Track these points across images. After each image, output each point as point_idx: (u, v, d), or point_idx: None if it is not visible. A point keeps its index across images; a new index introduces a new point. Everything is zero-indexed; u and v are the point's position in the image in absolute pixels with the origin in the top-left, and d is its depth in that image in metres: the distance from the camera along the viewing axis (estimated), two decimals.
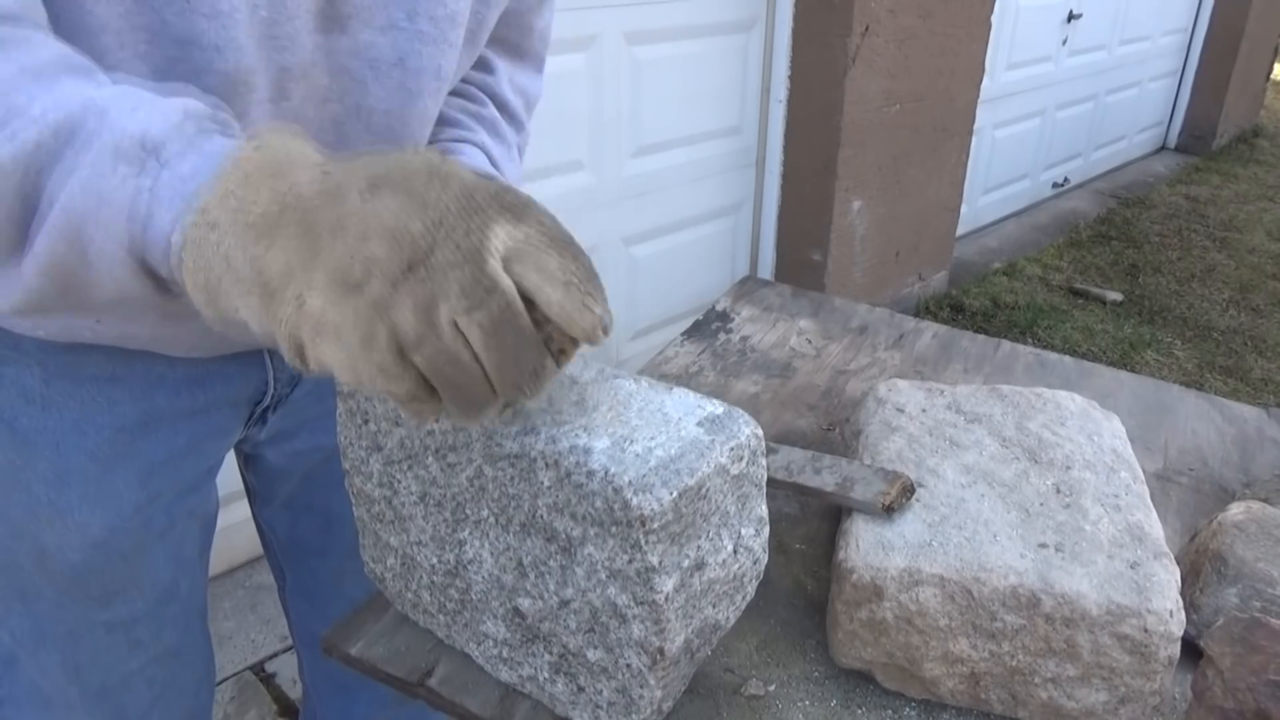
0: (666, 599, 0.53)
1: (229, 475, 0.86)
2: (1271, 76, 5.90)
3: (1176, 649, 0.59)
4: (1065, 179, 4.54)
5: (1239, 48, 5.01)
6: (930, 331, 1.16)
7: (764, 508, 0.60)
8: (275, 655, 1.77)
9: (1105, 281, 3.64)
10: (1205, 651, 0.59)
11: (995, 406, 0.80)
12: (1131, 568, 0.62)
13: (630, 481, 0.50)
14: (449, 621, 0.66)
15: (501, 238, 0.42)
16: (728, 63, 2.51)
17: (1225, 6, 4.99)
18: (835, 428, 0.96)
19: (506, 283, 0.42)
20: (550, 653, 0.60)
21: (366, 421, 0.61)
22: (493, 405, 0.44)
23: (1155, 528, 0.66)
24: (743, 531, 0.58)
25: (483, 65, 0.81)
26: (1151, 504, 0.69)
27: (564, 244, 0.43)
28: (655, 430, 0.54)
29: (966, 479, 0.70)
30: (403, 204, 0.41)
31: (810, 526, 0.82)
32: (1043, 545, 0.64)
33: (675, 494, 0.51)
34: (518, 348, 0.42)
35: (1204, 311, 3.42)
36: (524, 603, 0.59)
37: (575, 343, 0.45)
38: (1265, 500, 0.82)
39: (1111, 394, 1.03)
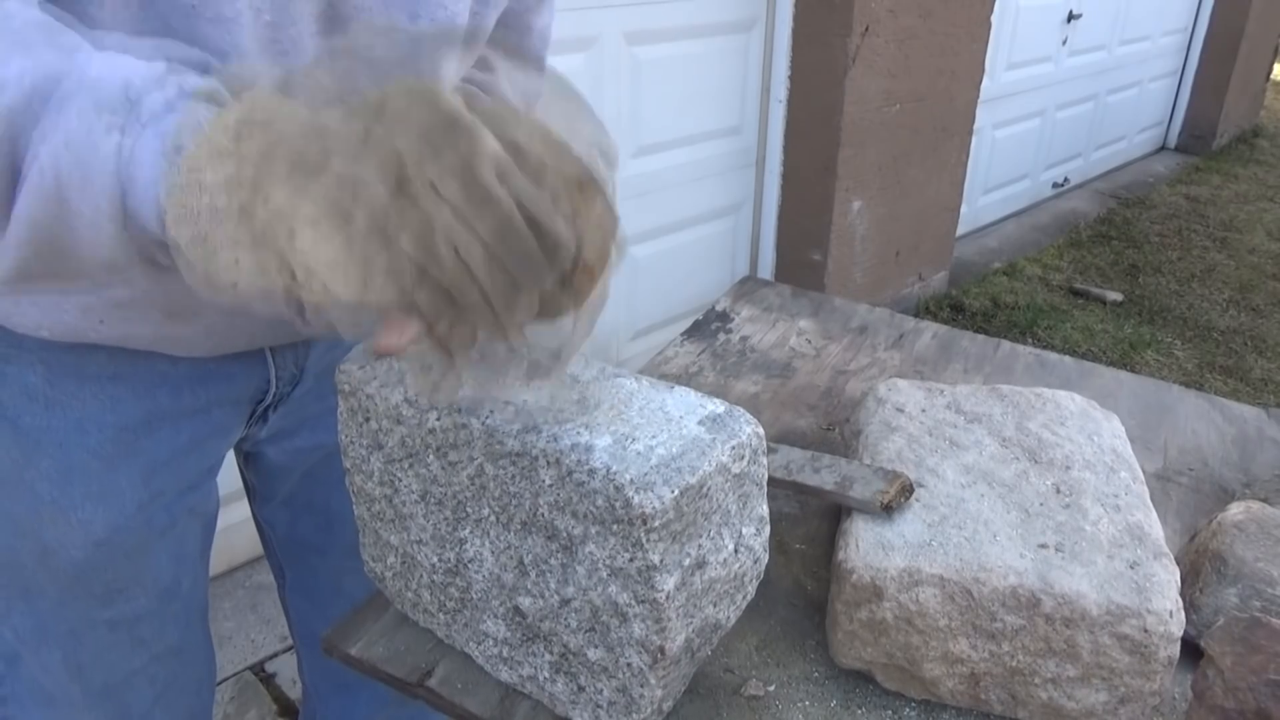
0: (667, 597, 0.53)
1: (229, 474, 0.86)
2: (1271, 76, 5.90)
3: (1176, 649, 0.59)
4: (1065, 179, 4.54)
5: (1239, 48, 5.01)
6: (930, 331, 1.16)
7: (765, 507, 0.60)
8: (275, 655, 1.77)
9: (1105, 281, 3.64)
10: (1205, 651, 0.59)
11: (995, 406, 0.80)
12: (1131, 568, 0.62)
13: (632, 480, 0.50)
14: (449, 621, 0.66)
15: (493, 151, 0.40)
16: (728, 63, 2.51)
17: (1225, 6, 4.99)
18: (835, 428, 0.96)
19: (501, 193, 0.39)
20: (550, 652, 0.60)
21: (368, 420, 0.61)
22: (512, 293, 0.41)
23: (1155, 528, 0.66)
24: (744, 530, 0.58)
25: (482, 64, 0.81)
26: (1151, 504, 0.69)
27: (559, 151, 0.41)
28: (657, 429, 0.54)
29: (966, 479, 0.70)
30: (387, 127, 0.39)
31: (810, 526, 0.82)
32: (1043, 545, 0.64)
33: (676, 492, 0.51)
34: (524, 261, 0.40)
35: (1204, 311, 3.42)
36: (524, 602, 0.59)
37: (590, 271, 0.43)
38: (1265, 500, 0.82)
39: (1111, 394, 1.03)
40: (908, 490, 0.68)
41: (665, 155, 2.46)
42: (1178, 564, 0.64)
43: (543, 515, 0.55)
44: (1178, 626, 0.59)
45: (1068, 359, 1.10)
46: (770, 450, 0.77)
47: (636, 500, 0.50)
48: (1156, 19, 4.71)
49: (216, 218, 0.41)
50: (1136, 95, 4.90)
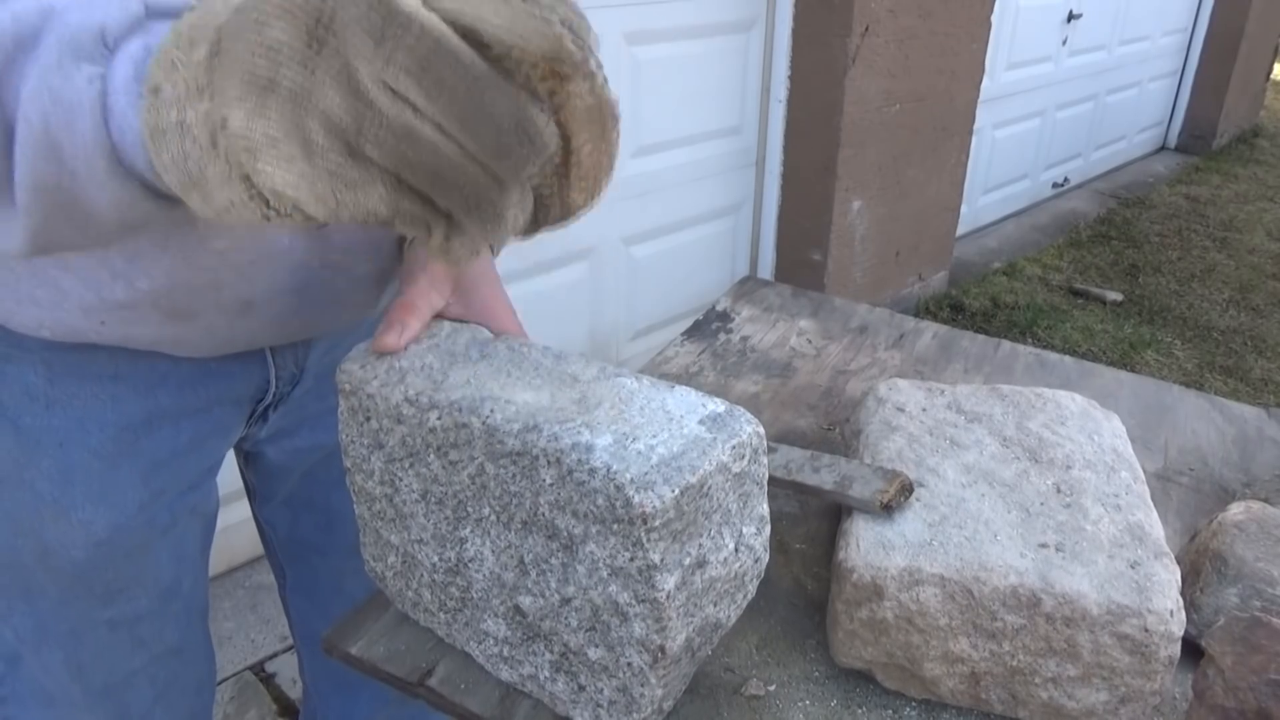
0: (668, 597, 0.53)
1: (229, 474, 0.86)
2: (1271, 76, 5.90)
3: (1177, 649, 0.59)
4: (1065, 179, 4.54)
5: (1239, 48, 5.01)
6: (930, 331, 1.16)
7: (765, 506, 0.60)
8: (275, 655, 1.77)
9: (1105, 281, 3.64)
10: (1206, 651, 0.59)
11: (995, 406, 0.80)
12: (1132, 567, 0.62)
13: (632, 479, 0.50)
14: (449, 620, 0.67)
15: (448, 44, 0.35)
16: (728, 63, 2.51)
17: (1225, 6, 4.99)
18: (835, 427, 0.96)
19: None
20: (551, 651, 0.60)
21: (368, 419, 0.61)
22: (498, 190, 0.38)
23: (1155, 527, 0.66)
24: (744, 530, 0.58)
25: None
26: (1152, 504, 0.69)
27: (523, 30, 0.36)
28: (657, 428, 0.54)
29: (967, 478, 0.70)
30: (328, 27, 0.36)
31: (810, 526, 0.82)
32: (1043, 545, 0.64)
33: (677, 491, 0.51)
34: (472, 91, 0.35)
35: (1204, 311, 3.42)
36: (525, 601, 0.59)
37: (559, 76, 0.37)
38: (1265, 500, 0.82)
39: (1111, 394, 1.03)
40: (907, 490, 0.68)
41: (665, 155, 2.46)
42: (1178, 564, 0.64)
43: (543, 514, 0.55)
44: (1178, 626, 0.59)
45: (1068, 359, 1.10)
46: (770, 450, 0.77)
47: (637, 499, 0.50)
48: (1156, 19, 4.71)
49: (186, 134, 0.39)
50: (1136, 95, 4.90)
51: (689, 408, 0.56)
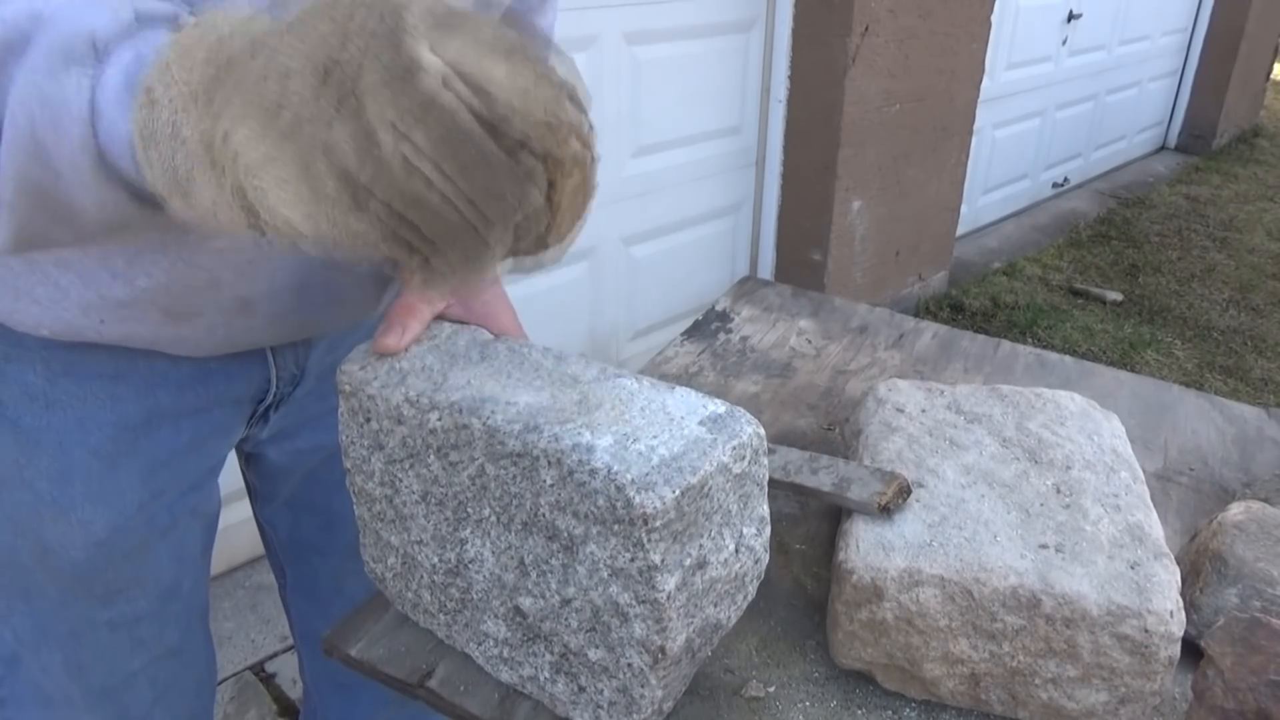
0: (668, 597, 0.53)
1: (230, 475, 0.86)
2: (1271, 76, 5.90)
3: (1177, 649, 0.59)
4: (1065, 179, 4.54)
5: (1239, 48, 5.01)
6: (930, 331, 1.16)
7: (765, 507, 0.60)
8: (275, 655, 1.77)
9: (1105, 281, 3.64)
10: (1206, 651, 0.59)
11: (995, 406, 0.80)
12: (1132, 568, 0.62)
13: (633, 480, 0.50)
14: (449, 621, 0.67)
15: (439, 53, 0.38)
16: (728, 63, 2.51)
17: (1225, 6, 4.99)
18: (835, 428, 0.96)
19: (446, 96, 0.37)
20: (551, 652, 0.60)
21: (369, 420, 0.61)
22: (484, 248, 0.40)
23: (1155, 528, 0.66)
24: (744, 531, 0.58)
25: None
26: (1151, 504, 0.69)
27: (513, 49, 0.39)
28: (658, 429, 0.54)
29: (966, 479, 0.71)
30: (311, 36, 0.38)
31: (810, 527, 0.82)
32: (1043, 545, 0.64)
33: (678, 492, 0.51)
34: (481, 168, 0.38)
35: (1204, 311, 3.42)
36: (525, 602, 0.59)
37: (560, 163, 0.40)
38: (1265, 500, 0.82)
39: (1111, 394, 1.03)
40: (905, 491, 0.68)
41: (665, 155, 2.46)
42: (1178, 564, 0.64)
43: (544, 515, 0.55)
44: (1178, 626, 0.59)
45: (1068, 359, 1.10)
46: (769, 451, 0.77)
47: (638, 500, 0.50)
48: (1156, 19, 4.71)
49: (177, 138, 0.40)
50: (1136, 95, 4.90)
51: (689, 409, 0.56)
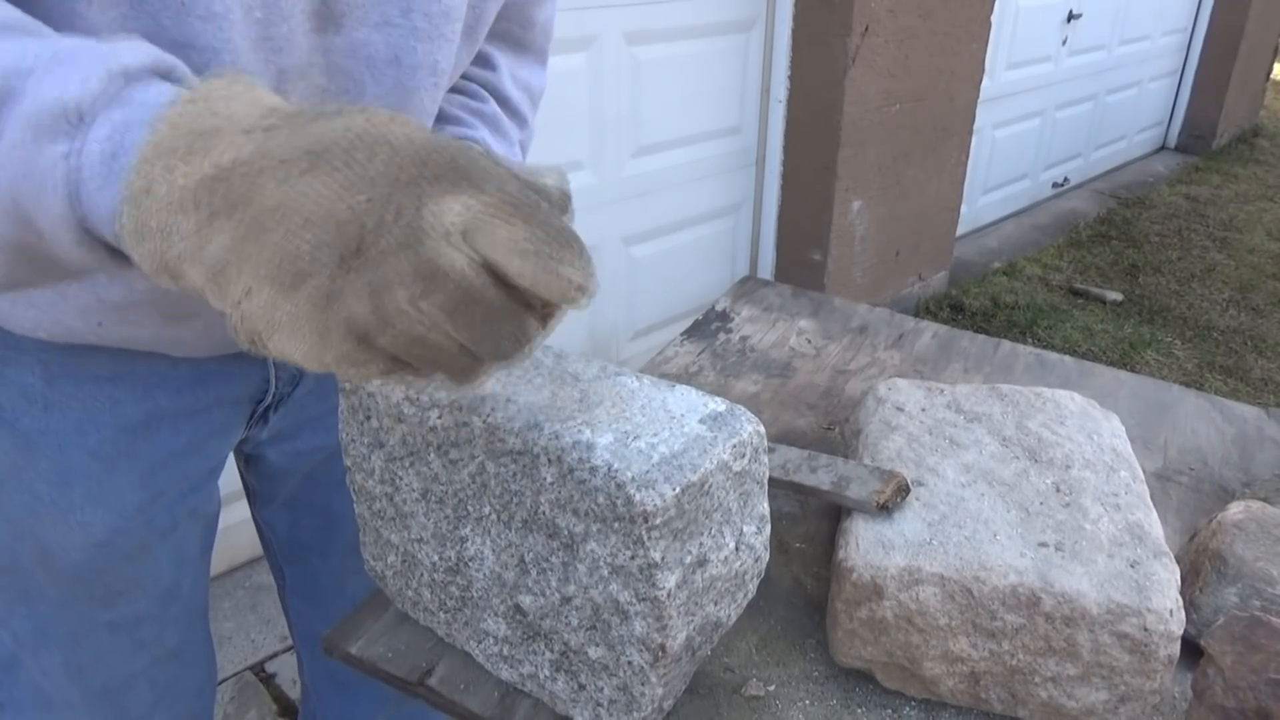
0: (669, 595, 0.53)
1: (229, 476, 0.86)
2: (1271, 76, 5.90)
3: (1176, 648, 0.59)
4: (1065, 179, 4.54)
5: (1239, 48, 5.01)
6: (930, 331, 1.16)
7: (765, 505, 0.60)
8: (275, 655, 1.77)
9: (1105, 281, 3.64)
10: (1206, 650, 0.60)
11: (995, 406, 0.80)
12: (1131, 567, 0.62)
13: (633, 477, 0.50)
14: (449, 619, 0.67)
15: (449, 211, 0.39)
16: (728, 63, 2.51)
17: (1225, 6, 4.99)
18: (835, 427, 0.96)
19: (456, 265, 0.38)
20: (551, 650, 0.60)
21: (369, 418, 0.61)
22: (480, 373, 0.42)
23: (1155, 527, 0.66)
24: (744, 529, 0.58)
25: (484, 61, 0.81)
26: (1151, 503, 0.69)
27: (521, 208, 0.40)
28: (658, 427, 0.54)
29: (966, 478, 0.71)
30: (333, 184, 0.39)
31: (810, 525, 0.82)
32: (1043, 544, 0.64)
33: (678, 490, 0.51)
34: (487, 321, 0.40)
35: (1204, 311, 3.42)
36: (525, 600, 0.59)
37: (560, 306, 0.43)
38: (1265, 500, 0.82)
39: (1111, 394, 1.04)
40: (904, 490, 0.68)
41: (665, 155, 2.46)
42: (1178, 563, 0.64)
43: (544, 513, 0.55)
44: (1178, 625, 0.59)
45: (1068, 359, 1.10)
46: (768, 450, 0.77)
47: (638, 498, 0.50)
48: (1156, 19, 4.71)
49: (170, 239, 0.40)
50: (1136, 95, 4.90)
51: (690, 406, 0.56)
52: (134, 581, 0.76)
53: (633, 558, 0.52)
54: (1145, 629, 0.59)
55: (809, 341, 1.14)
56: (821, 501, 0.81)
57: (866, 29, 2.49)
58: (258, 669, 1.74)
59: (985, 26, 2.93)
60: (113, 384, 0.70)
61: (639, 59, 2.27)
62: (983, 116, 3.41)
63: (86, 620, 0.75)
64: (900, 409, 0.80)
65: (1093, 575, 0.61)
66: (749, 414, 0.57)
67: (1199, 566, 0.70)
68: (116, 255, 0.45)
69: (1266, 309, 3.45)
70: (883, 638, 0.64)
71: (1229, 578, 0.68)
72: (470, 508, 0.59)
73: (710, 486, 0.53)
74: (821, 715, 0.64)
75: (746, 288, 1.28)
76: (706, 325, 1.17)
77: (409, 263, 0.38)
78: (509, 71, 0.82)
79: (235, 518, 1.41)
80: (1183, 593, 0.64)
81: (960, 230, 3.57)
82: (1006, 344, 1.13)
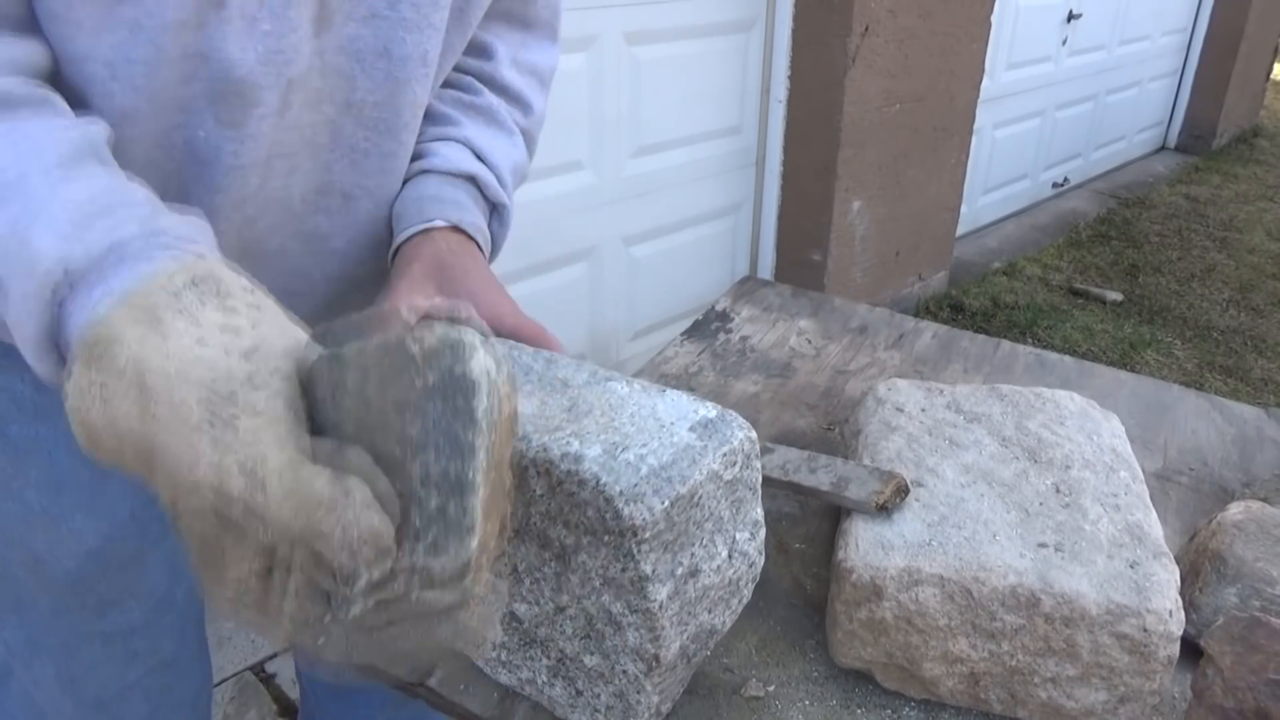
0: (661, 607, 0.52)
1: None
2: (1271, 76, 5.90)
3: (1176, 648, 0.59)
4: (1065, 179, 4.54)
5: (1239, 48, 5.01)
6: (930, 331, 1.16)
7: (759, 511, 0.59)
8: (275, 655, 1.77)
9: (1105, 281, 3.64)
10: (1205, 650, 0.59)
11: (995, 406, 0.80)
12: (1131, 567, 0.62)
13: (621, 491, 0.49)
14: None
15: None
16: (728, 63, 2.51)
17: (1225, 6, 4.99)
18: (835, 427, 0.96)
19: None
20: (548, 657, 0.60)
21: None
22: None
23: (1155, 527, 0.66)
24: (737, 536, 0.58)
25: (480, 51, 0.78)
26: (1151, 504, 0.69)
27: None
28: (647, 437, 0.53)
29: (966, 478, 0.70)
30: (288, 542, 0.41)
31: (810, 526, 0.82)
32: (1042, 545, 0.64)
33: (667, 503, 0.50)
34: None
35: (1204, 311, 3.42)
36: (521, 608, 0.59)
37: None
38: (1265, 500, 0.82)
39: (1111, 394, 1.03)
40: (903, 490, 0.68)
41: (665, 155, 2.46)
42: (1177, 564, 0.63)
43: (535, 524, 0.55)
44: (1177, 626, 0.59)
45: (1068, 359, 1.10)
46: (767, 450, 0.77)
47: (627, 512, 0.49)
48: (1156, 19, 4.71)
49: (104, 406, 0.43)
50: (1136, 95, 4.90)
51: (680, 413, 0.55)
52: (127, 590, 0.75)
53: (624, 570, 0.51)
54: (1145, 629, 0.59)
55: (809, 342, 1.14)
56: (821, 502, 0.81)
57: (866, 29, 2.48)
58: (258, 669, 1.74)
59: (985, 26, 2.93)
60: None
61: (639, 59, 2.27)
62: (983, 116, 3.41)
63: (79, 630, 0.74)
64: (900, 409, 0.80)
65: (1092, 576, 0.61)
66: (740, 419, 0.56)
67: (1199, 567, 0.70)
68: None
69: (1266, 309, 3.45)
70: (882, 638, 0.63)
71: (1229, 578, 0.68)
72: None
73: (700, 497, 0.53)
74: (821, 716, 0.64)
75: (746, 288, 1.27)
76: (706, 325, 1.17)
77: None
78: (510, 57, 0.79)
79: None
80: (1182, 593, 0.63)
81: (960, 230, 3.56)
82: (1006, 344, 1.13)
